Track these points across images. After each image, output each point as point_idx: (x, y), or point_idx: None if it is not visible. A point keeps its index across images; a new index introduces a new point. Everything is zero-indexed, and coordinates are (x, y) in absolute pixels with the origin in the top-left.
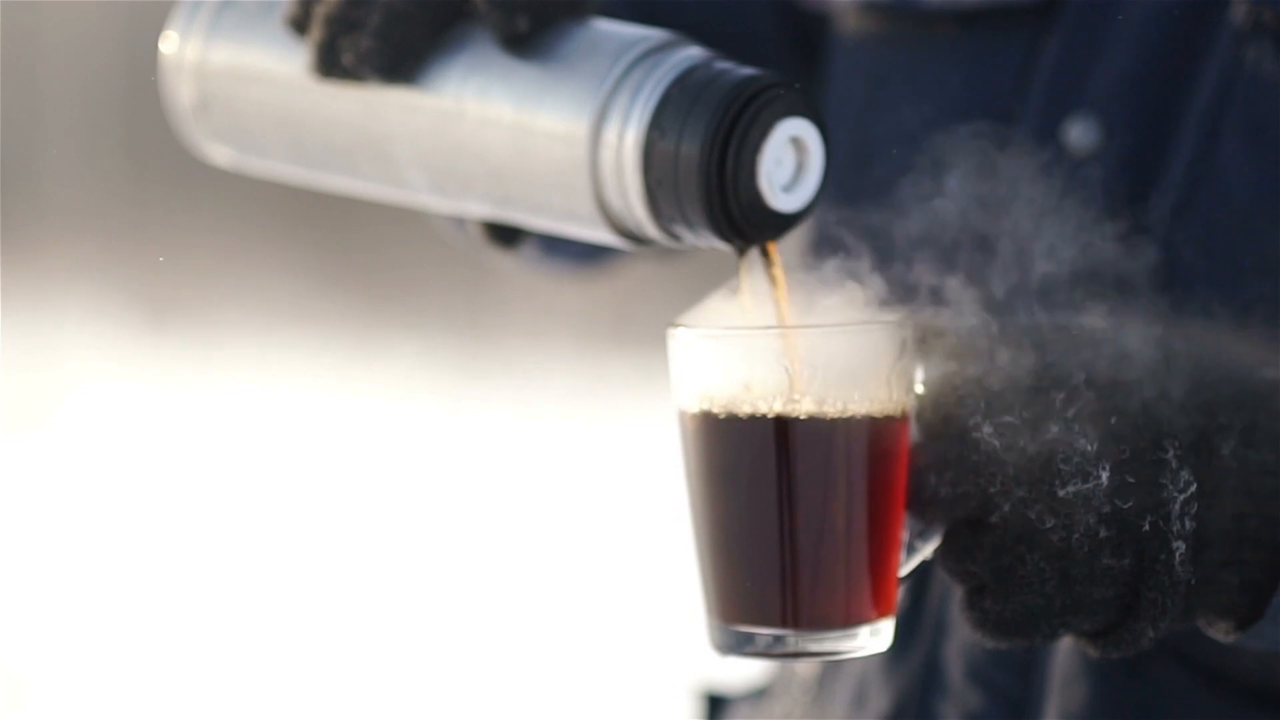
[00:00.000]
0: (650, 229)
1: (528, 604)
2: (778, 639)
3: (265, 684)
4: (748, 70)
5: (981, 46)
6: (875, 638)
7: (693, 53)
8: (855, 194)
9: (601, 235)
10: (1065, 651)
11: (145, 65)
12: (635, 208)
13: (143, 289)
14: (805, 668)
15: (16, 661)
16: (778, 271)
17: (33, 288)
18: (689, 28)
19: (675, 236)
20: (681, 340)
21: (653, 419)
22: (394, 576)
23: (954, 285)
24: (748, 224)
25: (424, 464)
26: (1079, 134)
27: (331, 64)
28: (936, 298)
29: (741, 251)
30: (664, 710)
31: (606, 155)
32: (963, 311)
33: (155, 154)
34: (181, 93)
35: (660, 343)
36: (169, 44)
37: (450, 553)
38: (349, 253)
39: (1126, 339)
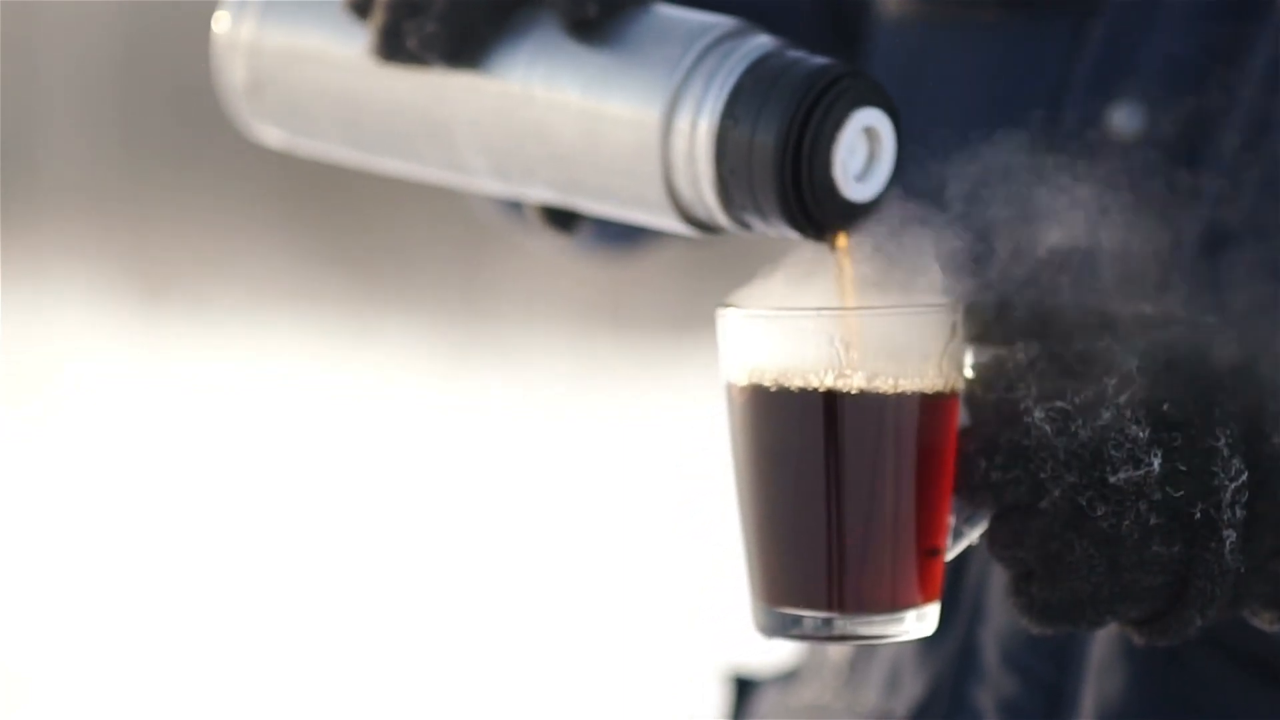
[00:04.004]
0: (721, 217)
1: (532, 591)
2: (825, 622)
3: (265, 666)
4: (821, 59)
5: (1025, 29)
6: (921, 622)
7: (764, 40)
8: (899, 178)
9: (669, 223)
10: (1103, 638)
11: (143, 42)
12: (706, 196)
13: (138, 266)
14: (837, 651)
15: (16, 660)
16: (845, 259)
17: (28, 265)
18: (730, 8)
19: (746, 225)
20: (731, 321)
21: (649, 402)
22: (390, 560)
23: (1001, 269)
24: (820, 213)
25: (419, 445)
26: (1124, 119)
27: (394, 48)
28: (985, 281)
29: (813, 241)
30: (691, 694)
31: (678, 143)
32: (1011, 295)
33: (152, 132)
34: (234, 73)
35: (657, 326)
36: (222, 23)
37: (447, 536)
38: (345, 233)
39: (1178, 325)
